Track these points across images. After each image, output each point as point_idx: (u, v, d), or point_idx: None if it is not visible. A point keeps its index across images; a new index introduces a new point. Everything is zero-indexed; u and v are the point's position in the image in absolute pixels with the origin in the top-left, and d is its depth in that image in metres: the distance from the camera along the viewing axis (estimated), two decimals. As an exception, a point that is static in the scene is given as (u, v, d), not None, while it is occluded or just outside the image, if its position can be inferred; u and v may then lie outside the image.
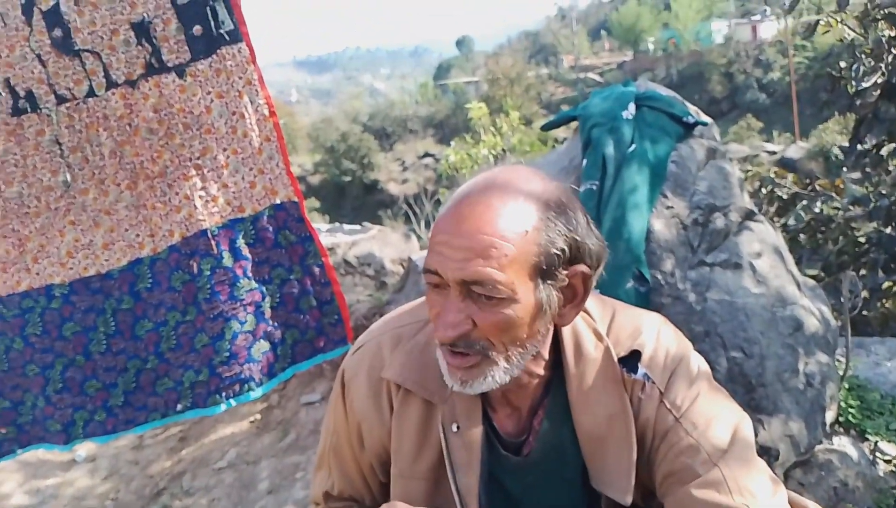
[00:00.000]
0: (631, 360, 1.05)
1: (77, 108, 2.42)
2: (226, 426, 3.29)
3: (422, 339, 1.10)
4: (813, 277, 4.15)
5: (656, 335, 1.07)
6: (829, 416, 2.31)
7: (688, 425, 1.00)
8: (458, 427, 1.05)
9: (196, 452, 3.22)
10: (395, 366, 1.08)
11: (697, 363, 1.08)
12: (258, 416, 3.26)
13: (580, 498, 1.09)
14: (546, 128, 2.81)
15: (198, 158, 2.35)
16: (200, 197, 2.36)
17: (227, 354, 2.39)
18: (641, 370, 1.04)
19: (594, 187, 2.28)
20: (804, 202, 5.09)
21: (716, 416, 1.01)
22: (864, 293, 4.13)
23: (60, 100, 2.41)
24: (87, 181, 2.47)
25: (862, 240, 4.51)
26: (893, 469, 2.33)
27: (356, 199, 32.26)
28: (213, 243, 2.36)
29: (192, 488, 2.98)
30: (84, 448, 3.76)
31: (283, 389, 3.31)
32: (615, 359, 1.04)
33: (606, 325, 1.08)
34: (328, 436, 1.20)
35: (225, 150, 2.34)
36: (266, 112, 2.33)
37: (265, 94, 2.34)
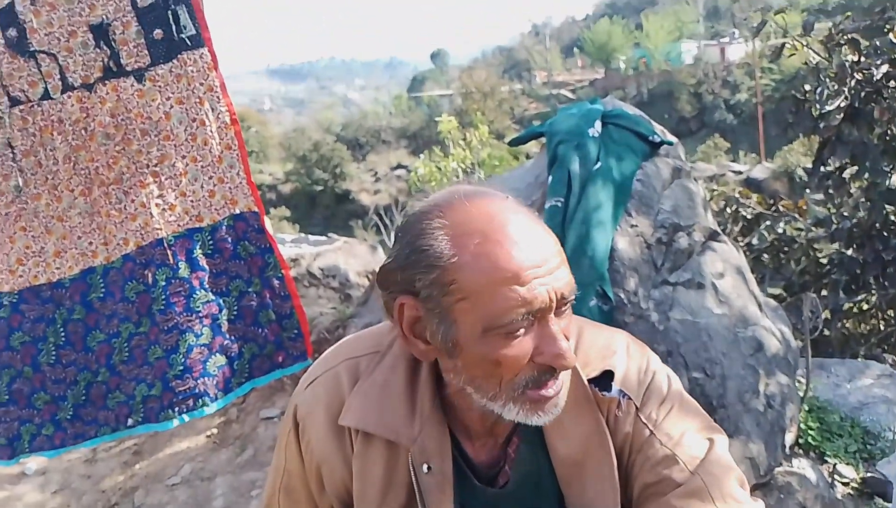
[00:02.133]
0: (603, 380, 1.02)
1: (31, 110, 2.35)
2: (182, 440, 3.20)
3: (379, 377, 1.02)
4: (775, 296, 4.19)
5: (626, 353, 1.05)
6: (789, 438, 2.31)
7: (663, 436, 0.98)
8: (428, 468, 0.99)
9: (150, 467, 3.12)
10: (354, 410, 1.01)
11: (668, 375, 1.06)
12: (215, 430, 3.18)
13: None
14: (513, 144, 2.80)
15: (155, 166, 2.29)
16: (157, 205, 2.30)
17: (182, 367, 2.32)
18: (616, 388, 1.01)
19: (559, 204, 2.27)
20: (768, 222, 5.15)
21: (690, 427, 1.00)
22: (826, 314, 4.18)
23: (14, 102, 2.34)
24: (39, 186, 2.40)
25: (824, 261, 4.57)
26: (851, 492, 2.34)
27: (327, 208, 32.07)
28: (169, 252, 2.30)
29: (144, 504, 2.89)
30: (34, 461, 3.64)
31: (243, 403, 3.24)
32: (584, 380, 1.01)
33: (573, 346, 1.04)
34: (278, 476, 1.12)
35: (184, 157, 2.28)
36: (227, 120, 2.28)
37: (227, 101, 2.29)
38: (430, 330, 0.92)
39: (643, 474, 0.98)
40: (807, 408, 2.57)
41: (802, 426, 2.48)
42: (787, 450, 2.31)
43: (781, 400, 2.25)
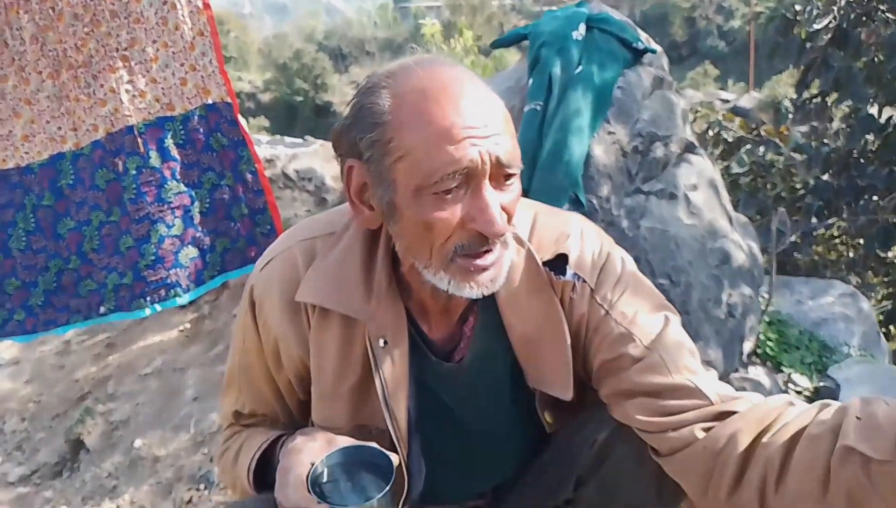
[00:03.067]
0: (558, 263, 1.04)
1: (-5, -14, 2.25)
2: (154, 334, 3.23)
3: (336, 256, 1.03)
4: (749, 219, 4.24)
5: (580, 236, 1.06)
6: (748, 346, 2.39)
7: (618, 315, 1.01)
8: (385, 342, 1.02)
9: (123, 358, 3.16)
10: (311, 287, 1.02)
11: (622, 257, 1.08)
12: (188, 325, 3.21)
13: (512, 404, 1.09)
14: (496, 45, 2.74)
15: (125, 49, 2.22)
16: (127, 91, 2.24)
17: (153, 257, 2.32)
18: (570, 271, 1.03)
19: (538, 108, 2.25)
20: (748, 147, 5.15)
21: (644, 305, 1.03)
22: (795, 237, 4.26)
23: (-24, -24, 2.24)
24: (6, 68, 2.32)
25: (798, 186, 4.61)
26: (803, 399, 2.44)
27: (307, 120, 31.45)
28: (139, 141, 2.26)
29: (116, 393, 2.94)
30: (7, 352, 3.67)
31: (216, 300, 3.26)
32: (539, 262, 1.03)
33: (528, 230, 1.06)
34: (236, 356, 1.14)
35: (154, 42, 2.21)
36: (199, 4, 2.20)
37: (199, -16, 2.20)
38: (373, 194, 0.93)
39: (601, 352, 1.01)
40: (767, 321, 2.64)
41: (762, 337, 2.55)
42: (745, 358, 2.39)
43: (743, 311, 2.31)
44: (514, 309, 1.03)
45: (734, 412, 0.93)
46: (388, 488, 0.88)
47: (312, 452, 0.96)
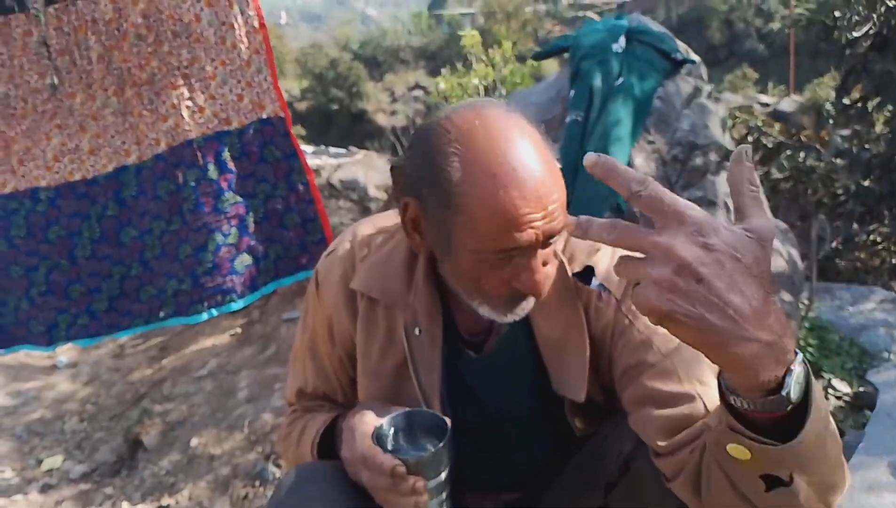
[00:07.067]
0: (586, 275, 1.11)
1: (66, 10, 2.39)
2: (207, 338, 3.36)
3: (386, 250, 1.17)
4: (790, 226, 4.23)
5: (612, 251, 1.13)
6: (788, 352, 2.41)
7: (640, 325, 1.07)
8: (419, 331, 1.13)
9: (177, 361, 3.30)
10: (361, 277, 1.16)
11: None
12: (239, 330, 3.33)
13: (535, 398, 1.18)
14: (537, 57, 2.81)
15: (186, 68, 2.34)
16: (187, 107, 2.36)
17: (210, 265, 2.44)
18: (596, 282, 1.10)
19: (579, 119, 2.31)
20: (788, 152, 5.13)
21: None
22: (837, 243, 4.24)
23: (49, 1, 2.38)
24: (74, 85, 2.46)
25: (839, 192, 4.58)
26: (842, 405, 2.45)
27: (343, 128, 31.75)
28: (198, 154, 2.38)
29: (172, 394, 3.06)
30: (65, 355, 3.83)
31: (265, 305, 3.38)
32: (569, 273, 1.11)
33: (562, 243, 1.14)
34: (304, 333, 1.27)
35: (213, 60, 2.33)
36: (256, 24, 2.31)
37: (255, 5, 2.32)
38: (427, 231, 1.04)
39: (623, 357, 1.08)
40: (808, 327, 2.66)
41: (802, 343, 2.57)
42: (785, 364, 2.41)
43: (783, 316, 2.34)
44: (543, 314, 1.11)
45: None
46: (442, 443, 1.00)
47: (376, 414, 1.08)
